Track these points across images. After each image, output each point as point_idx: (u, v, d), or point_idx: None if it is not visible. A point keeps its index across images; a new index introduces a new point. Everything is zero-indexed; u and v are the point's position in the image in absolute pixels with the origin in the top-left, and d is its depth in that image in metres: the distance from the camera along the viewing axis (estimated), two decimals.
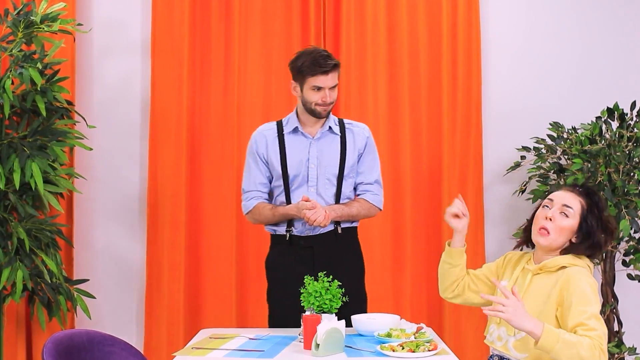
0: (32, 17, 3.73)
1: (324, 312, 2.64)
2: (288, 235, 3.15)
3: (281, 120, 3.25)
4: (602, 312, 4.01)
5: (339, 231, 3.16)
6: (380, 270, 4.17)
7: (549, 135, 4.07)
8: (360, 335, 2.83)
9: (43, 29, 3.73)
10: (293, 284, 2.93)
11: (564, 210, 2.52)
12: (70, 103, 3.98)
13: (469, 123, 4.28)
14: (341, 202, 3.17)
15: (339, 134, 3.19)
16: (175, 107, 4.23)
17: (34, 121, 3.78)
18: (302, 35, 4.28)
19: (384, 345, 2.53)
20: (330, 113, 3.21)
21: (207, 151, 4.26)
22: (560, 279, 2.45)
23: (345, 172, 3.17)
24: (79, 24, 4.04)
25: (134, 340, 4.22)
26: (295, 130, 3.18)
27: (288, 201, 3.16)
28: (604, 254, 3.98)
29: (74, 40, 4.16)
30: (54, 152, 3.69)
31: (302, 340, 2.61)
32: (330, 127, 3.19)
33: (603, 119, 4.02)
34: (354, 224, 3.25)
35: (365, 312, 3.13)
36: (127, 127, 4.35)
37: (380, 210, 3.30)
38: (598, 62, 4.41)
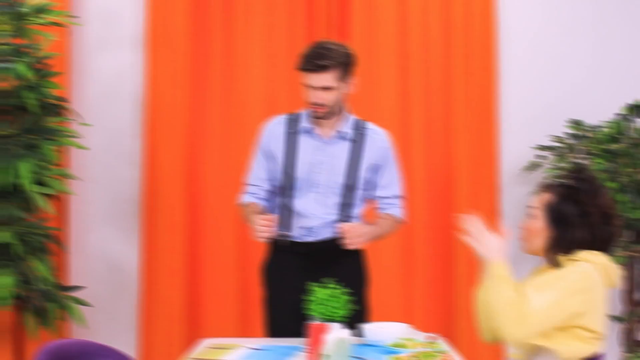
0: (22, 9, 3.73)
1: (331, 321, 2.64)
2: (286, 240, 3.12)
3: (295, 115, 3.15)
4: (624, 321, 4.00)
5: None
6: (389, 276, 4.17)
7: (568, 134, 4.06)
8: (370, 345, 2.82)
9: (35, 21, 3.73)
10: (291, 291, 2.96)
11: (529, 212, 2.52)
12: (63, 99, 3.98)
13: (483, 120, 4.28)
14: (350, 209, 3.11)
15: (353, 138, 3.09)
16: (173, 104, 4.24)
17: (25, 119, 3.78)
18: (307, 26, 4.28)
19: (393, 356, 2.53)
20: (345, 114, 3.10)
21: (207, 150, 4.26)
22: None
23: (352, 183, 3.09)
24: (73, 17, 4.04)
25: (130, 350, 4.22)
26: (309, 131, 3.10)
27: (286, 205, 3.11)
28: (628, 260, 3.97)
29: (67, 33, 4.16)
30: (44, 152, 3.69)
31: (308, 351, 2.61)
32: (339, 130, 3.09)
33: (626, 116, 4.01)
34: None
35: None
36: (122, 125, 4.35)
37: (403, 222, 3.25)
38: (618, 55, 4.40)
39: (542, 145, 4.11)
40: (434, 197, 4.28)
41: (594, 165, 3.82)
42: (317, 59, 2.96)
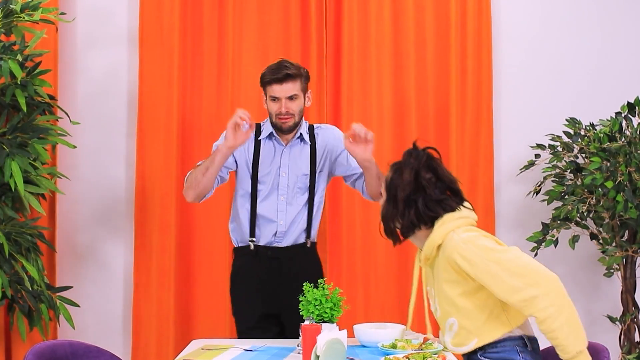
0: (11, 6, 3.72)
1: (324, 322, 2.64)
2: (252, 245, 3.29)
3: (259, 123, 3.36)
4: (622, 322, 4.01)
5: (308, 245, 3.32)
6: (384, 276, 4.18)
7: (565, 132, 4.06)
8: (364, 346, 2.82)
9: (23, 18, 3.72)
10: (258, 297, 3.26)
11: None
12: (52, 97, 3.97)
13: (479, 119, 4.28)
14: (314, 208, 3.31)
15: (309, 141, 3.33)
16: (165, 102, 4.23)
17: (13, 117, 3.77)
18: (301, 24, 4.27)
19: (388, 357, 2.53)
20: (302, 121, 3.33)
21: (199, 149, 4.25)
22: (443, 257, 2.50)
23: (316, 179, 3.32)
24: (62, 13, 4.03)
25: (120, 351, 4.21)
26: (270, 135, 3.32)
27: (253, 210, 3.29)
28: (624, 259, 3.97)
29: (57, 30, 4.15)
30: (34, 150, 3.68)
31: (301, 352, 2.61)
32: (301, 134, 3.32)
33: (623, 115, 4.01)
34: (315, 240, 3.39)
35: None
36: (113, 123, 4.34)
37: None
38: (618, 54, 4.40)
39: (538, 144, 4.11)
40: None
41: (590, 164, 3.82)
42: (283, 69, 3.24)
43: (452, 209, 2.54)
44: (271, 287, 3.27)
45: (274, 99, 3.25)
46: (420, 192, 2.55)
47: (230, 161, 3.29)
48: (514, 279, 2.35)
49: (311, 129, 3.38)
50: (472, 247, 2.42)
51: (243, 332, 3.31)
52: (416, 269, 2.74)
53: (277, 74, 3.23)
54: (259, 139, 3.32)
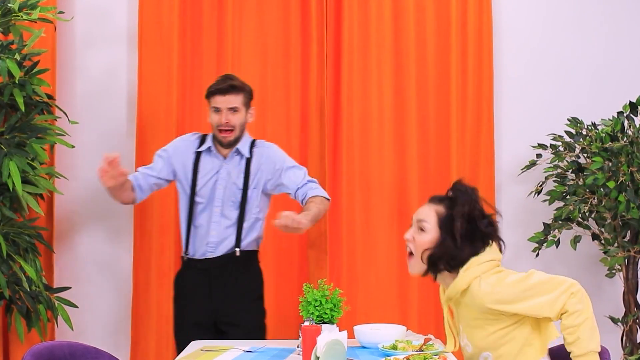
0: (9, 4, 3.72)
1: (324, 323, 2.64)
2: (185, 257, 3.50)
3: (202, 136, 3.56)
4: (624, 323, 4.00)
5: (237, 254, 3.41)
6: (385, 277, 4.17)
7: (567, 132, 4.06)
8: (364, 347, 2.82)
9: (21, 17, 3.72)
10: (190, 306, 3.45)
11: (420, 226, 2.59)
12: (50, 97, 3.97)
13: (480, 119, 4.27)
14: (245, 223, 3.43)
15: (248, 155, 3.47)
16: (164, 102, 4.22)
17: (11, 117, 3.77)
18: (301, 24, 4.27)
19: (389, 358, 2.53)
20: (244, 136, 3.48)
21: None
22: (473, 303, 2.50)
23: (249, 194, 3.44)
24: (60, 12, 4.03)
25: (119, 353, 4.19)
26: (209, 149, 3.49)
27: (190, 221, 3.46)
28: (626, 260, 3.97)
29: (55, 29, 4.15)
30: (33, 150, 3.68)
31: (301, 353, 2.61)
32: (238, 149, 3.46)
33: (625, 114, 4.01)
34: (255, 248, 3.51)
35: (263, 325, 3.49)
36: (112, 123, 4.34)
37: (329, 200, 3.49)
38: (620, 53, 4.40)
39: (539, 144, 4.10)
40: (429, 197, 4.26)
41: (592, 164, 3.82)
42: (227, 81, 3.45)
43: (477, 252, 2.54)
44: (203, 296, 3.42)
45: (216, 109, 3.42)
46: (473, 225, 2.55)
47: (168, 171, 3.51)
48: (548, 294, 2.41)
49: (252, 145, 3.50)
50: (503, 288, 2.45)
51: (179, 339, 3.49)
52: (445, 308, 2.69)
53: (221, 84, 3.43)
54: (198, 150, 3.49)
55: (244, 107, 3.45)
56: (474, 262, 2.51)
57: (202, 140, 3.53)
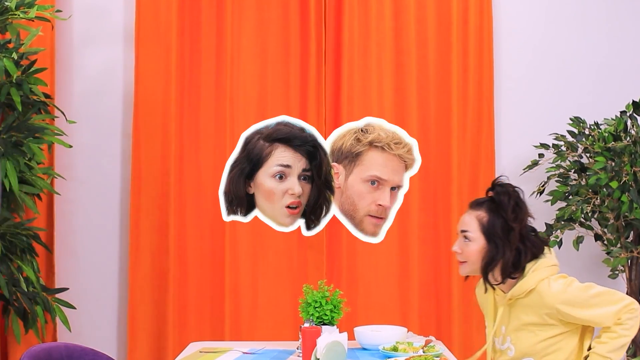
0: (6, 3, 3.71)
1: (324, 324, 2.64)
2: None
3: None
4: None
5: None
6: (385, 278, 4.17)
7: (569, 132, 4.06)
8: (365, 349, 2.82)
9: (18, 15, 3.72)
10: None
11: (465, 235, 2.63)
12: (48, 96, 3.97)
13: (480, 118, 4.27)
14: None
15: None
16: (162, 101, 4.22)
17: (8, 116, 3.77)
18: (300, 22, 4.26)
19: (390, 359, 2.53)
20: None
21: (197, 149, 4.24)
22: (538, 303, 2.54)
23: None
24: (58, 11, 4.03)
25: (116, 354, 4.21)
26: None
27: None
28: (629, 261, 3.97)
29: (53, 28, 4.15)
30: (30, 150, 3.68)
31: (301, 355, 2.60)
32: None
33: (628, 114, 4.01)
34: None
35: None
36: (110, 122, 4.34)
37: None
38: (622, 52, 4.40)
39: (542, 144, 4.10)
40: (430, 197, 4.26)
41: (594, 164, 3.82)
42: None
43: (542, 253, 2.62)
44: None
45: None
46: (518, 227, 2.60)
47: None
48: (614, 305, 2.50)
49: None
50: (572, 291, 2.52)
51: None
52: (499, 311, 2.68)
53: None
54: None
55: None
56: (541, 264, 2.57)
57: None
